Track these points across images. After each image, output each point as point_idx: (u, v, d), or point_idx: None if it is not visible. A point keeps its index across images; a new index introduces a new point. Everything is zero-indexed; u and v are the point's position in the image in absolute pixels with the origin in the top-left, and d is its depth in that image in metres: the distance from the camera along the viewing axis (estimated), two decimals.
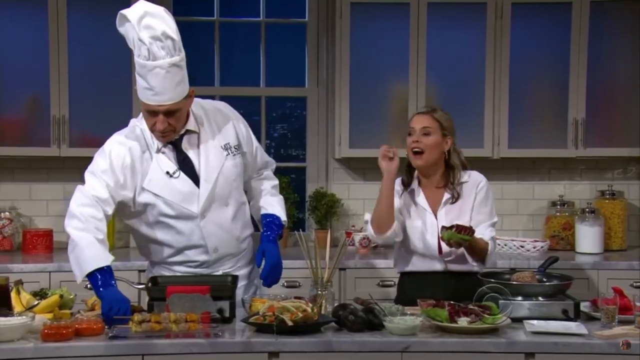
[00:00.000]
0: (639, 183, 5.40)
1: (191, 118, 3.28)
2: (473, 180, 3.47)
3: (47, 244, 4.93)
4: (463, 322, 2.87)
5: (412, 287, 3.44)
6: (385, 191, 3.39)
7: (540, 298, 3.11)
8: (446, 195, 3.45)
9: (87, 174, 3.25)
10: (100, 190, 3.16)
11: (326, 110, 5.40)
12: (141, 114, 3.27)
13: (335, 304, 3.07)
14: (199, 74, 5.71)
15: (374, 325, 2.90)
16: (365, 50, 4.99)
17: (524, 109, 5.03)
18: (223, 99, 5.45)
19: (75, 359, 2.73)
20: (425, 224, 3.43)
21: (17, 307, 2.96)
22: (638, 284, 4.61)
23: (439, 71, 4.99)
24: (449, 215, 3.42)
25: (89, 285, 4.35)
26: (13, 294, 2.98)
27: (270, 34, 5.54)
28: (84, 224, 3.08)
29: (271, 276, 3.29)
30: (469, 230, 3.22)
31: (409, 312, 3.00)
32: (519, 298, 3.09)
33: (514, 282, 3.18)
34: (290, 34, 5.63)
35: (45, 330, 2.75)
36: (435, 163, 3.46)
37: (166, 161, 3.24)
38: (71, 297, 3.14)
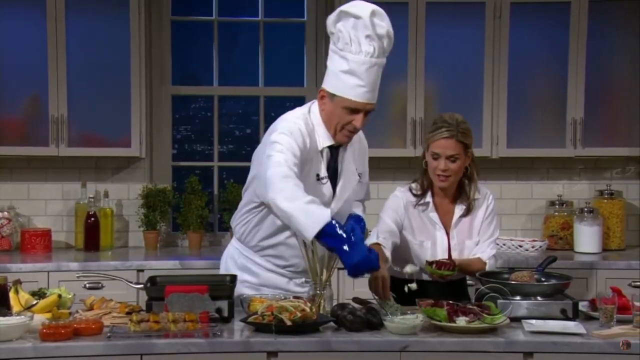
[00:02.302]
0: (638, 183, 5.41)
1: None
2: (483, 195, 3.45)
3: (46, 244, 4.92)
4: (462, 321, 2.87)
5: (399, 292, 3.39)
6: None
7: (538, 298, 3.11)
8: (458, 210, 3.42)
9: (279, 137, 3.11)
10: (293, 161, 3.06)
11: None
12: (311, 105, 3.27)
13: (334, 304, 3.07)
14: (198, 74, 5.73)
15: (372, 324, 2.90)
16: None
17: (523, 109, 5.04)
18: (222, 98, 5.54)
19: (74, 359, 2.73)
20: (436, 243, 3.40)
21: (15, 306, 2.95)
22: (636, 283, 4.61)
23: (437, 71, 4.99)
24: (460, 234, 3.41)
25: (87, 285, 4.43)
26: (11, 294, 2.98)
27: (269, 33, 5.54)
28: (293, 193, 2.96)
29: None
30: (450, 265, 3.23)
31: (409, 312, 2.99)
32: (518, 298, 3.09)
33: (513, 282, 3.17)
34: (289, 34, 5.63)
35: (44, 330, 2.74)
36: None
37: (321, 164, 3.23)
38: (70, 296, 3.13)
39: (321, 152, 3.23)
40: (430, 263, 3.27)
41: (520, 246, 4.96)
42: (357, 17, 3.08)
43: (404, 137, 5.02)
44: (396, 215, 3.42)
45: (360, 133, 3.45)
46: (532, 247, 4.96)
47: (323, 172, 3.23)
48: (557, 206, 5.26)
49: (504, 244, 4.99)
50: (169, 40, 5.36)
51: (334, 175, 3.27)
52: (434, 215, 3.43)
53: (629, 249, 5.22)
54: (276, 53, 5.57)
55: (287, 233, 3.28)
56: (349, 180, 3.31)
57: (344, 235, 2.89)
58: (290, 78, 5.58)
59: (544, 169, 5.41)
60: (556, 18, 5.00)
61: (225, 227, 5.28)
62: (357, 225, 3.23)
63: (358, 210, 3.43)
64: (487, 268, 3.38)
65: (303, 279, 3.36)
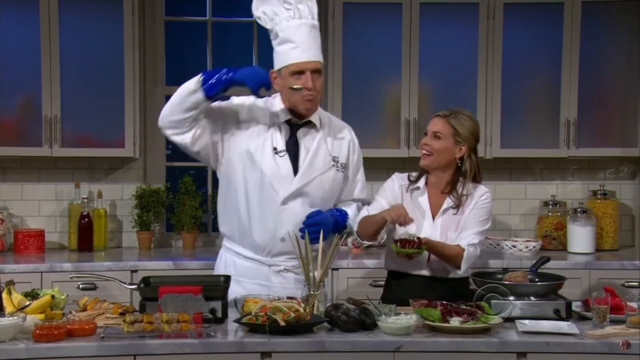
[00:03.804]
0: (631, 183, 5.42)
1: (318, 112, 3.43)
2: (478, 194, 3.41)
3: (39, 244, 4.91)
4: (455, 322, 2.88)
5: (399, 288, 3.41)
6: (377, 221, 3.34)
7: (532, 298, 3.12)
8: (447, 202, 3.39)
9: None
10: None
11: None
12: (273, 97, 3.44)
13: (328, 304, 3.07)
14: (191, 74, 5.69)
15: (366, 325, 2.91)
16: (358, 51, 4.99)
17: (516, 109, 5.04)
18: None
19: None
20: (421, 228, 3.38)
21: (8, 307, 2.95)
22: (630, 283, 4.62)
23: (431, 71, 5.00)
24: (444, 225, 3.37)
25: (80, 286, 4.42)
26: (4, 295, 2.98)
27: (263, 33, 5.47)
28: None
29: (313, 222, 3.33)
30: (414, 243, 3.17)
31: (402, 312, 2.99)
32: (511, 298, 3.10)
33: (506, 282, 3.18)
34: None
35: (37, 331, 2.74)
36: (443, 167, 3.39)
37: (278, 138, 3.37)
38: (63, 297, 3.13)
39: (279, 126, 3.37)
40: (395, 242, 3.22)
41: (514, 246, 4.96)
42: None
43: (397, 137, 5.02)
44: (391, 197, 3.45)
45: (347, 128, 3.58)
46: (526, 247, 4.96)
47: (281, 146, 3.36)
48: (550, 206, 5.27)
49: (498, 244, 5.00)
50: (163, 40, 5.35)
51: (295, 151, 3.37)
52: (423, 200, 3.41)
53: (622, 249, 5.23)
54: (270, 53, 5.54)
55: (259, 212, 3.34)
56: (317, 160, 3.39)
57: (222, 69, 3.27)
58: None
59: (538, 170, 5.42)
60: (550, 19, 5.01)
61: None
62: (340, 213, 3.40)
63: (349, 209, 3.49)
64: (465, 255, 3.28)
65: (282, 267, 3.37)
